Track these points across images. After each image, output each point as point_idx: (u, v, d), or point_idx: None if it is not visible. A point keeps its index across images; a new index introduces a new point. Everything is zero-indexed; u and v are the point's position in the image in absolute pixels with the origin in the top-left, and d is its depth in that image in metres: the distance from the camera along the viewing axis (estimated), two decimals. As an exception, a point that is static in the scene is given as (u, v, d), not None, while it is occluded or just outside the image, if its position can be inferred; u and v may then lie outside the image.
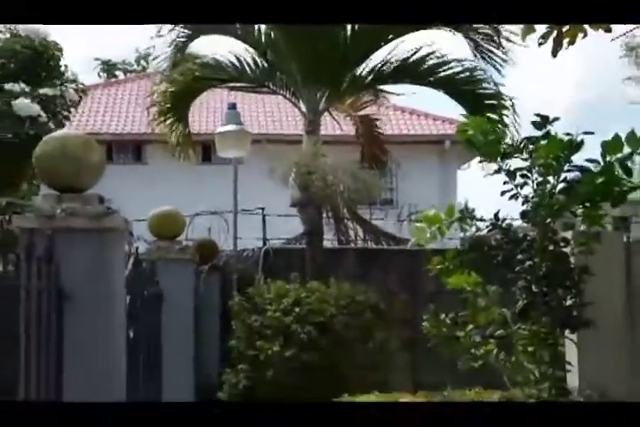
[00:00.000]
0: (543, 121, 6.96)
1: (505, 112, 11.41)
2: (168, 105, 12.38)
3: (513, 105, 11.40)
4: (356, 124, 13.15)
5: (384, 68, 11.90)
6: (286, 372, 9.46)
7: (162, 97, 12.35)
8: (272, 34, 11.47)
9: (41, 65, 11.26)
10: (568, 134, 6.91)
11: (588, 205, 7.11)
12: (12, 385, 3.33)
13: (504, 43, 10.07)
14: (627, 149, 6.80)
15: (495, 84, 11.70)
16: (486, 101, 11.60)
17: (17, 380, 3.37)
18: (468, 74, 11.77)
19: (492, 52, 11.52)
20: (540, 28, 7.70)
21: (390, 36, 11.48)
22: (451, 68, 11.69)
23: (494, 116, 10.91)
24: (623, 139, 6.68)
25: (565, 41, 7.44)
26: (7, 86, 10.48)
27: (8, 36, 11.73)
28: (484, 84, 11.81)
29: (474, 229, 7.39)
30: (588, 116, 49.59)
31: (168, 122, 12.42)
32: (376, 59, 11.80)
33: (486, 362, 7.34)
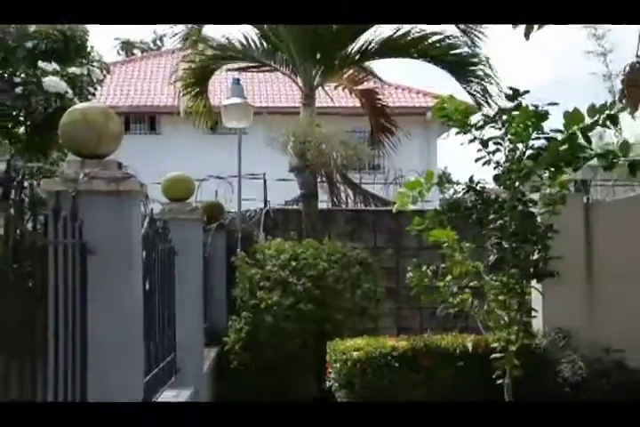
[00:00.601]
0: (515, 94, 7.27)
1: (486, 79, 11.70)
2: (192, 80, 12.72)
3: (492, 69, 11.66)
4: (359, 97, 13.43)
5: (371, 45, 12.24)
6: (284, 319, 9.74)
7: (185, 73, 12.71)
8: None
9: (70, 47, 11.47)
10: (535, 106, 7.22)
11: (552, 169, 7.43)
12: (44, 330, 3.47)
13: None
14: (588, 120, 7.05)
15: (475, 54, 11.90)
16: (468, 67, 11.77)
17: (47, 325, 3.52)
18: (448, 42, 11.92)
19: (470, 27, 11.84)
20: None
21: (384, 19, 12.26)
22: (431, 38, 11.87)
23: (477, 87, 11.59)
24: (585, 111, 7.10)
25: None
26: (40, 64, 10.70)
27: None
28: (464, 53, 11.93)
29: (451, 191, 7.76)
30: (562, 91, 50.24)
31: (192, 95, 12.79)
32: (364, 37, 12.19)
33: (462, 309, 7.68)
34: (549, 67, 53.55)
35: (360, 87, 13.39)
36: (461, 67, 12.06)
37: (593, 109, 6.95)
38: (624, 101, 7.72)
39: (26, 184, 3.44)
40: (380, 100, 13.57)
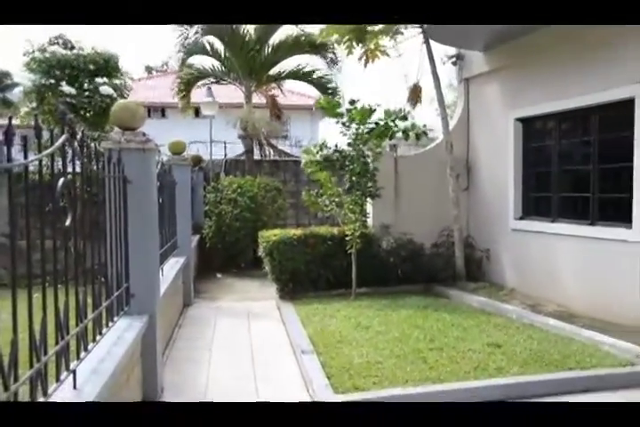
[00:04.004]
0: (352, 101, 8.52)
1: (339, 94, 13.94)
2: (182, 88, 14.80)
3: (342, 92, 14.28)
4: (268, 99, 15.57)
5: (283, 72, 14.42)
6: (234, 220, 11.03)
7: (179, 86, 14.83)
8: (227, 52, 13.86)
9: (111, 67, 13.01)
10: (370, 107, 8.44)
11: (378, 139, 8.57)
12: (104, 224, 3.82)
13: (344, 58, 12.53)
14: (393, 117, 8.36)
15: (334, 82, 14.55)
16: (329, 89, 14.25)
17: (106, 222, 3.87)
18: (321, 75, 14.41)
19: (335, 64, 14.31)
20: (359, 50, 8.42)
21: (288, 55, 14.10)
22: (314, 72, 14.37)
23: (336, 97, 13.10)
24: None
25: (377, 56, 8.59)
26: (97, 80, 12.40)
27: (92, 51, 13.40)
28: (330, 81, 14.55)
29: (326, 151, 8.85)
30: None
31: (182, 96, 14.93)
32: (279, 67, 14.34)
33: (331, 213, 8.78)
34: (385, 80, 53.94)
35: (269, 93, 15.38)
36: (322, 84, 14.30)
37: (389, 112, 8.48)
38: (410, 101, 9.02)
39: (92, 145, 3.61)
40: (276, 100, 15.56)
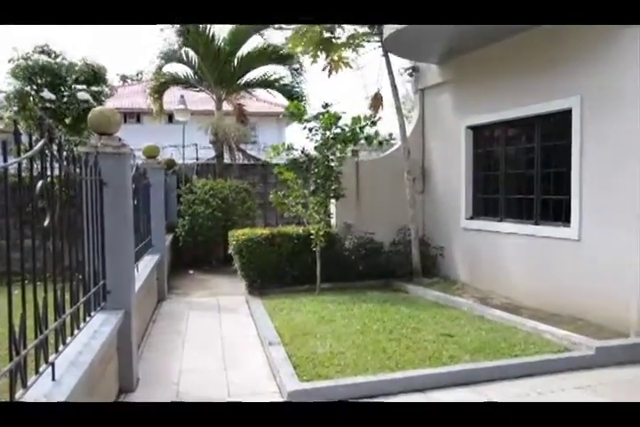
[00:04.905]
0: (325, 105, 8.44)
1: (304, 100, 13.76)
2: (155, 95, 14.61)
3: (306, 99, 14.19)
4: (235, 106, 15.50)
5: (252, 80, 14.31)
6: (206, 220, 10.98)
7: (151, 91, 14.56)
8: (200, 61, 13.68)
9: (96, 77, 12.92)
10: (336, 114, 8.43)
11: (342, 144, 8.60)
12: (82, 224, 3.73)
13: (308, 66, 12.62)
14: (363, 122, 8.53)
15: (301, 89, 14.51)
16: (295, 96, 14.08)
17: (83, 222, 3.77)
18: (287, 82, 14.42)
19: (299, 73, 14.33)
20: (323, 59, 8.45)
21: (256, 65, 14.08)
22: (281, 80, 14.42)
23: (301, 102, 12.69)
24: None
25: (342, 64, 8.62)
26: (77, 86, 12.21)
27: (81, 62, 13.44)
28: (295, 89, 14.52)
29: (294, 153, 8.91)
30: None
31: (155, 98, 14.71)
32: (248, 76, 14.23)
33: (297, 214, 8.75)
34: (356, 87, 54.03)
35: (237, 101, 15.34)
36: (287, 91, 14.30)
37: (357, 118, 8.51)
38: (372, 109, 9.05)
39: (70, 149, 3.53)
40: (242, 107, 15.60)
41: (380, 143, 8.64)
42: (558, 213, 6.74)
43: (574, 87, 6.28)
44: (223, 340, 6.07)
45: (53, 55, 13.43)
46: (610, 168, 6.00)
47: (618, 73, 5.81)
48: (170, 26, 12.65)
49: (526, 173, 7.39)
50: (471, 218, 8.55)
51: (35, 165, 2.75)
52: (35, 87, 12.08)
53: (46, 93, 11.74)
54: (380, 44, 8.43)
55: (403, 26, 7.01)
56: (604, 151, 6.04)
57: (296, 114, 8.59)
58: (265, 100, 21.69)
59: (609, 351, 5.11)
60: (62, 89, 12.18)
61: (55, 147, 3.01)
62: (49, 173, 2.88)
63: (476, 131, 8.38)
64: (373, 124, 8.49)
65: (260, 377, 4.78)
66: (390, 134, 9.03)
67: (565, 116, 6.43)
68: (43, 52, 13.36)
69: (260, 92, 15.46)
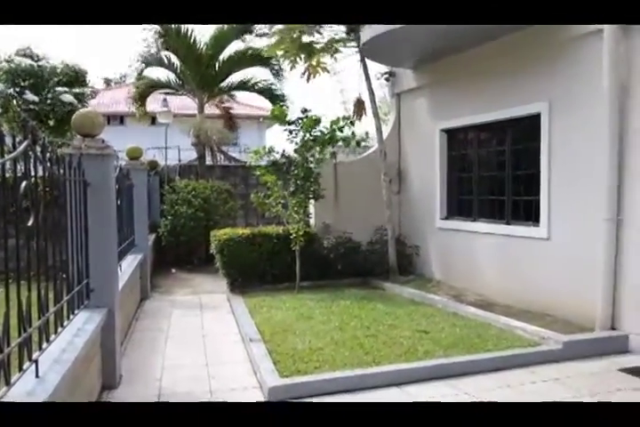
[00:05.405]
0: (304, 110, 8.45)
1: (286, 104, 13.79)
2: (137, 98, 14.48)
3: (287, 99, 14.22)
4: (222, 111, 15.36)
5: (233, 83, 14.20)
6: (188, 219, 10.93)
7: (135, 94, 14.44)
8: (181, 65, 13.65)
9: (77, 79, 12.73)
10: (316, 117, 8.37)
11: (321, 146, 8.56)
12: (65, 223, 3.70)
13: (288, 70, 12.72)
14: (342, 123, 8.52)
15: (282, 91, 14.48)
16: (276, 99, 14.14)
17: (67, 221, 3.73)
18: (269, 85, 14.41)
19: (280, 75, 14.24)
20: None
21: (238, 68, 14.03)
22: (260, 83, 14.33)
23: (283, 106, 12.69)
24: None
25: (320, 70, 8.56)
26: (58, 89, 12.06)
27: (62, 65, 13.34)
28: (276, 91, 14.46)
29: (275, 155, 8.88)
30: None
31: (138, 105, 14.60)
32: (230, 78, 14.19)
33: (277, 214, 8.73)
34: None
35: (223, 105, 15.30)
36: (270, 94, 14.28)
37: (336, 120, 8.48)
38: (355, 115, 9.01)
39: (53, 150, 3.46)
40: (230, 111, 15.47)
41: (358, 143, 8.67)
42: (529, 213, 6.83)
43: (543, 92, 6.39)
44: (205, 337, 6.03)
45: (36, 58, 13.20)
46: (577, 170, 6.11)
47: (583, 78, 5.92)
48: (149, 27, 12.46)
49: (498, 175, 7.45)
50: (446, 218, 8.60)
51: (18, 166, 2.72)
52: (17, 89, 11.95)
53: (29, 95, 11.47)
54: (357, 49, 8.43)
55: (379, 31, 7.14)
56: (570, 154, 6.15)
57: (279, 117, 8.63)
58: (247, 104, 21.71)
59: (575, 345, 5.21)
60: (45, 91, 12.04)
61: (39, 148, 2.98)
62: (33, 173, 2.85)
63: (450, 134, 8.44)
64: (352, 124, 8.54)
65: (241, 373, 4.77)
66: (367, 133, 9.05)
67: (535, 120, 6.53)
68: (25, 55, 13.15)
69: (241, 95, 15.37)
